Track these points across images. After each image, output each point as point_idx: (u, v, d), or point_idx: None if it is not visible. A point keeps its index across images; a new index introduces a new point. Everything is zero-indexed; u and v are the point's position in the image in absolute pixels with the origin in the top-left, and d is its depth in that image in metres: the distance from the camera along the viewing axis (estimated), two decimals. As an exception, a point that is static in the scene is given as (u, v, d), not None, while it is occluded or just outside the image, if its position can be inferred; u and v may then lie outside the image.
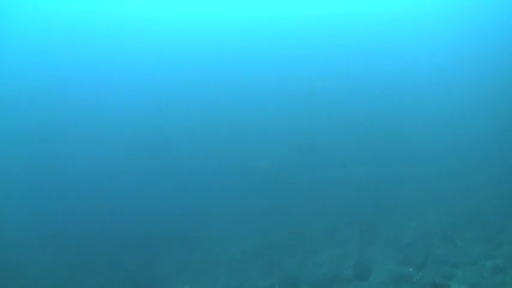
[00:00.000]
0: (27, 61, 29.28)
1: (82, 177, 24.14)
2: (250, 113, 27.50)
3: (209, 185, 22.71)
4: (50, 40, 29.91)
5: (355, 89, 28.19)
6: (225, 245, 17.06)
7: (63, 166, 24.83)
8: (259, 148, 24.76)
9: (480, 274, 10.71)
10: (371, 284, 11.40)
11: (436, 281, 10.69)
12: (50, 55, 29.82)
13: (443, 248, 12.63)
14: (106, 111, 27.86)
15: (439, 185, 19.77)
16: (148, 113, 27.67)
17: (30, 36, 29.46)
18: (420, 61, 30.93)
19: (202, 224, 19.59)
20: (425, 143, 24.54)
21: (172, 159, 25.13)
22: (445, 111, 26.70)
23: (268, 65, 30.11)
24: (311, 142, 24.62)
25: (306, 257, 14.20)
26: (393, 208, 18.11)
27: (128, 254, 17.90)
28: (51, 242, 19.03)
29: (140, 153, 25.25)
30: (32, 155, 25.17)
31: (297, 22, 31.31)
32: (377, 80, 29.12)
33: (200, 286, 13.71)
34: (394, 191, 19.83)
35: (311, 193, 20.72)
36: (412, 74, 29.96)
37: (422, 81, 29.50)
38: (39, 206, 22.13)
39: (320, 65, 29.30)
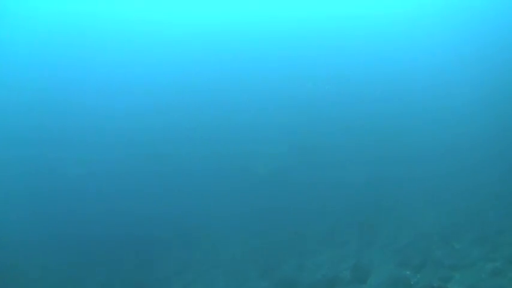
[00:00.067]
0: (27, 62, 29.32)
1: (82, 178, 24.22)
2: (250, 114, 27.50)
3: (208, 186, 22.76)
4: (49, 41, 29.95)
5: (355, 91, 28.18)
6: (224, 246, 17.10)
7: (63, 167, 24.90)
8: (259, 149, 24.79)
9: (478, 276, 10.70)
10: (369, 287, 11.42)
11: (434, 283, 10.71)
12: (49, 56, 29.86)
13: (441, 249, 12.62)
14: (106, 112, 27.90)
15: (438, 185, 19.77)
16: (148, 115, 27.69)
17: (29, 38, 29.53)
18: (420, 62, 30.93)
19: (201, 225, 19.64)
20: (425, 144, 24.54)
21: (172, 160, 25.16)
22: (444, 112, 26.72)
23: (268, 66, 30.11)
24: (310, 143, 24.63)
25: (304, 258, 14.20)
26: (392, 209, 18.11)
27: (127, 254, 17.94)
28: (52, 243, 19.15)
29: (140, 154, 25.28)
30: (31, 156, 25.22)
31: (296, 24, 31.31)
32: (377, 81, 29.10)
33: None
34: (393, 192, 19.84)
35: (310, 194, 20.76)
36: (412, 75, 29.95)
37: (422, 82, 29.49)
38: (39, 207, 22.23)
39: (320, 67, 29.31)
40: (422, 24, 31.58)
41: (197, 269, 15.44)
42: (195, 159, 25.26)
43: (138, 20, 31.10)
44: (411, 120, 26.52)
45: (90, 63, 30.16)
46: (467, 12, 30.88)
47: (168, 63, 30.80)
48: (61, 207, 22.54)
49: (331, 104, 27.64)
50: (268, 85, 28.76)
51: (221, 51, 30.86)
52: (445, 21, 31.22)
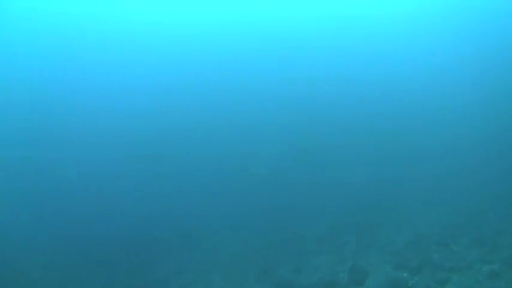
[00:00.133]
0: (26, 63, 29.37)
1: (82, 179, 24.26)
2: (249, 115, 27.49)
3: (207, 186, 22.76)
4: (49, 42, 29.98)
5: (355, 91, 28.14)
6: (223, 247, 17.07)
7: (63, 168, 24.93)
8: (259, 149, 24.78)
9: (475, 279, 10.72)
10: (366, 289, 11.46)
11: (432, 285, 10.73)
12: (49, 57, 29.90)
13: (439, 251, 12.63)
14: (105, 113, 27.94)
15: (437, 185, 19.80)
16: (148, 115, 27.71)
17: (28, 38, 29.56)
18: (420, 62, 30.88)
19: (201, 226, 19.62)
20: (424, 144, 24.56)
21: (172, 160, 25.17)
22: (444, 112, 26.72)
23: (268, 67, 30.11)
24: (310, 143, 24.62)
25: (302, 260, 14.21)
26: (391, 210, 18.10)
27: (127, 255, 17.93)
28: (51, 244, 19.13)
29: (139, 155, 25.30)
30: (31, 157, 25.26)
31: (296, 24, 31.27)
32: (377, 82, 29.05)
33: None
34: (393, 192, 19.84)
35: (309, 194, 20.76)
36: (412, 75, 29.89)
37: (422, 82, 29.43)
38: (39, 208, 22.25)
39: (320, 67, 29.28)
40: (422, 24, 31.53)
41: (196, 269, 15.42)
42: (195, 159, 25.28)
43: (137, 21, 31.13)
44: (411, 121, 26.51)
45: (89, 64, 30.21)
46: (467, 12, 30.81)
47: (167, 64, 30.85)
48: (61, 208, 22.52)
49: (330, 104, 27.60)
50: (267, 86, 28.77)
51: (221, 52, 30.87)
52: (445, 21, 31.16)
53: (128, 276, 15.92)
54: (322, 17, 31.55)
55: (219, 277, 14.22)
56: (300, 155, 24.08)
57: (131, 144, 26.16)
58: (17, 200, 22.84)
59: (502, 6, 29.86)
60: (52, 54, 30.11)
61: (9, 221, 20.54)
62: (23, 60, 29.58)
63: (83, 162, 25.32)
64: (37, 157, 25.46)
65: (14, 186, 23.63)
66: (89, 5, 29.84)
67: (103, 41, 30.83)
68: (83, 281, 15.91)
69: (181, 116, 27.94)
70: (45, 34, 30.00)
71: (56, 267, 17.05)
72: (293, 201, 20.43)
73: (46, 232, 19.95)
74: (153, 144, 26.14)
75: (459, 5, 30.84)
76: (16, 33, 29.40)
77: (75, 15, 29.95)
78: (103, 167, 25.16)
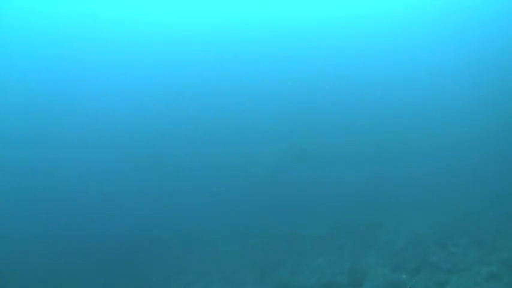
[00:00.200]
0: (25, 64, 29.40)
1: (82, 179, 24.30)
2: (249, 115, 27.46)
3: (207, 186, 22.75)
4: (48, 43, 30.01)
5: (355, 90, 28.11)
6: (220, 250, 17.05)
7: (62, 169, 24.97)
8: (258, 149, 24.74)
9: (474, 280, 10.71)
10: (365, 291, 11.46)
11: (430, 287, 10.73)
12: (48, 58, 29.92)
13: (437, 253, 12.61)
14: (105, 113, 27.96)
15: (436, 185, 19.71)
16: (148, 116, 27.71)
17: (27, 39, 29.59)
18: (419, 61, 30.81)
19: (198, 227, 19.61)
20: (423, 144, 24.47)
21: (171, 160, 25.18)
22: (443, 112, 26.62)
23: (267, 67, 30.08)
24: (309, 143, 24.55)
25: (300, 261, 14.20)
26: (390, 210, 18.03)
27: (127, 255, 17.96)
28: (51, 244, 19.17)
29: (139, 155, 25.31)
30: (31, 158, 25.30)
31: (295, 24, 31.24)
32: (376, 81, 29.01)
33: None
34: (390, 193, 19.73)
35: (308, 194, 20.72)
36: (412, 75, 29.84)
37: (421, 82, 29.38)
38: (39, 208, 22.29)
39: (319, 67, 29.25)
40: (422, 24, 31.45)
41: (195, 270, 15.45)
42: (195, 159, 25.26)
43: (136, 21, 31.12)
44: (411, 120, 26.42)
45: (88, 64, 30.22)
46: (467, 12, 30.75)
47: (166, 64, 30.83)
48: (61, 208, 22.55)
49: (330, 104, 27.56)
50: (267, 86, 28.74)
51: (220, 52, 30.83)
52: (444, 21, 31.09)
53: (128, 276, 15.94)
54: (322, 16, 31.51)
55: (217, 278, 14.23)
56: (300, 155, 24.03)
57: (131, 144, 26.14)
58: (17, 200, 22.90)
59: (501, 6, 29.81)
60: (52, 55, 30.12)
61: (9, 221, 20.59)
62: (23, 60, 29.60)
63: (82, 163, 25.34)
64: (37, 158, 25.49)
65: (14, 187, 23.67)
66: (88, 5, 29.82)
67: (102, 42, 30.83)
68: (83, 281, 15.95)
69: (181, 116, 27.91)
70: (44, 34, 30.02)
71: (56, 267, 17.11)
72: (292, 201, 20.37)
73: (46, 232, 19.98)
74: (153, 145, 26.13)
75: (459, 5, 30.79)
76: (14, 34, 29.42)
77: (74, 15, 29.95)
78: (103, 167, 25.16)
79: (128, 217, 20.86)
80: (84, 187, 23.75)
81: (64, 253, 18.43)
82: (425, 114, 26.81)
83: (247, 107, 27.92)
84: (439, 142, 24.22)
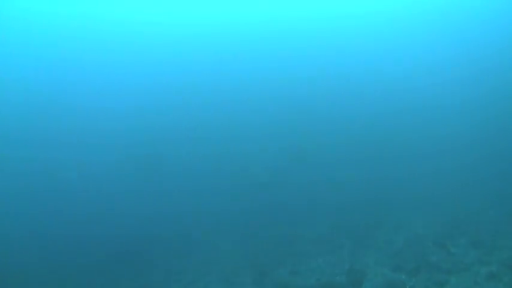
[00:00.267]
0: (25, 64, 29.39)
1: (82, 179, 24.31)
2: (248, 114, 27.46)
3: (206, 185, 22.72)
4: (48, 43, 30.00)
5: (354, 90, 28.08)
6: (219, 250, 17.00)
7: (62, 168, 24.98)
8: (258, 148, 24.73)
9: (473, 280, 10.68)
10: (364, 291, 11.42)
11: (430, 287, 10.70)
12: (47, 58, 29.92)
13: (437, 253, 12.59)
14: (105, 114, 27.98)
15: (435, 184, 19.72)
16: (147, 115, 27.72)
17: (27, 39, 29.57)
18: (419, 60, 30.78)
19: (198, 227, 19.59)
20: (423, 142, 24.45)
21: (171, 160, 25.16)
22: (443, 110, 26.59)
23: (267, 66, 30.08)
24: (309, 143, 24.54)
25: (299, 261, 14.16)
26: (388, 209, 18.03)
27: (127, 255, 17.92)
28: (52, 244, 19.15)
29: (139, 155, 25.30)
30: (30, 157, 25.30)
31: (294, 24, 31.21)
32: (377, 81, 28.98)
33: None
34: (390, 192, 19.76)
35: (306, 195, 20.70)
36: (412, 74, 29.81)
37: (421, 81, 29.35)
38: (39, 208, 22.30)
39: (318, 66, 29.23)
40: (422, 23, 31.42)
41: (194, 270, 15.38)
42: (194, 159, 25.26)
43: (136, 21, 31.12)
44: (410, 119, 26.42)
45: (89, 65, 30.23)
46: (467, 11, 30.70)
47: (166, 64, 30.84)
48: (61, 208, 22.56)
49: (330, 103, 27.54)
50: (267, 85, 28.72)
51: (220, 52, 30.83)
52: (444, 20, 31.06)
53: (128, 276, 15.89)
54: (321, 16, 31.47)
55: (217, 278, 14.18)
56: (299, 154, 24.02)
57: (131, 144, 26.16)
58: (18, 200, 22.90)
59: (501, 5, 29.74)
60: (52, 55, 30.14)
61: (9, 221, 20.60)
62: (23, 60, 29.60)
63: (82, 163, 25.35)
64: (37, 158, 25.50)
65: (14, 187, 23.67)
66: (88, 5, 29.79)
67: (101, 42, 30.84)
68: (83, 280, 15.90)
69: (181, 116, 27.92)
70: (44, 34, 30.00)
71: (55, 267, 17.06)
72: (292, 201, 20.40)
73: (46, 232, 19.97)
74: (153, 144, 26.13)
75: (459, 4, 30.73)
76: (14, 34, 29.42)
77: (74, 16, 29.95)
78: (103, 167, 25.18)
79: (128, 217, 20.84)
80: (84, 187, 23.74)
81: (64, 253, 18.39)
82: (425, 113, 26.81)
83: (247, 107, 27.91)
84: (439, 141, 24.21)
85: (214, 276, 14.32)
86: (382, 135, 25.06)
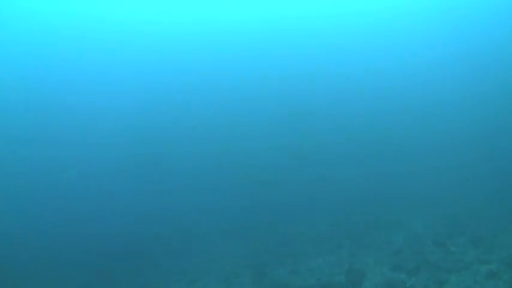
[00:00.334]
0: (25, 63, 29.39)
1: (82, 178, 24.34)
2: (248, 112, 27.47)
3: (205, 185, 22.74)
4: (46, 42, 29.98)
5: (354, 88, 28.04)
6: (216, 251, 16.97)
7: (63, 167, 25.01)
8: (257, 147, 24.71)
9: (473, 279, 10.65)
10: (364, 290, 11.39)
11: (429, 287, 10.66)
12: (48, 57, 29.92)
13: (436, 252, 12.56)
14: (105, 112, 28.00)
15: (435, 182, 19.71)
16: (147, 114, 27.73)
17: (26, 38, 29.54)
18: (419, 57, 30.72)
19: (196, 226, 19.62)
20: (422, 140, 24.44)
21: (170, 159, 25.17)
22: (443, 108, 26.54)
23: (266, 65, 30.04)
24: (308, 142, 24.53)
25: (298, 261, 14.14)
26: (388, 208, 18.00)
27: (127, 254, 17.93)
28: (52, 242, 19.17)
29: (139, 154, 25.32)
30: (30, 156, 25.34)
31: (294, 22, 31.14)
32: (376, 78, 28.93)
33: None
34: (389, 190, 19.76)
35: (305, 193, 20.71)
36: (411, 71, 29.76)
37: (421, 78, 29.29)
38: (39, 207, 22.34)
39: (318, 65, 29.19)
40: (421, 20, 31.33)
41: (194, 270, 15.38)
42: (194, 157, 25.28)
43: (135, 20, 31.10)
44: (410, 116, 26.41)
45: (89, 64, 30.23)
46: (466, 8, 30.60)
47: (165, 64, 30.84)
48: (61, 206, 22.61)
49: (329, 101, 27.51)
50: (266, 83, 28.71)
51: (219, 51, 30.80)
52: (444, 16, 30.96)
53: (128, 275, 15.90)
54: (320, 14, 31.41)
55: (216, 279, 14.18)
56: (299, 152, 24.00)
57: (131, 142, 26.22)
58: (18, 198, 22.96)
59: (501, 1, 29.59)
60: (52, 54, 30.14)
61: (10, 220, 20.64)
62: (23, 60, 29.61)
63: (82, 161, 25.39)
64: (37, 156, 25.55)
65: (14, 185, 23.72)
66: (87, 5, 29.74)
67: (101, 41, 30.81)
68: (83, 279, 15.91)
69: (181, 114, 27.93)
70: (44, 34, 29.97)
71: (55, 265, 17.08)
72: (291, 199, 20.41)
73: (46, 230, 20.02)
74: (153, 142, 26.16)
75: (458, 1, 30.61)
76: (14, 34, 29.38)
77: (74, 15, 29.91)
78: (103, 165, 25.22)
79: (128, 215, 20.91)
80: (84, 185, 23.78)
81: (63, 251, 18.40)
82: (425, 111, 26.78)
83: (246, 105, 27.91)
84: (438, 138, 24.21)
85: (213, 276, 14.31)
86: (381, 133, 25.04)
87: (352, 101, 27.32)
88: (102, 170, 24.96)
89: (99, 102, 28.85)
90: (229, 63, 30.28)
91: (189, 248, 17.76)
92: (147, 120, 27.28)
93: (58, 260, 17.48)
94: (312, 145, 24.17)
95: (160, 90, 29.07)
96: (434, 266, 11.59)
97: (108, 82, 30.30)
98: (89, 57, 30.49)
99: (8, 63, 29.07)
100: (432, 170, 20.68)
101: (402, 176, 20.76)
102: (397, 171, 21.47)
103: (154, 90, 29.16)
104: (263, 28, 31.21)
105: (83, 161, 25.47)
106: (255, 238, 17.34)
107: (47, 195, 23.41)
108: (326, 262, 13.61)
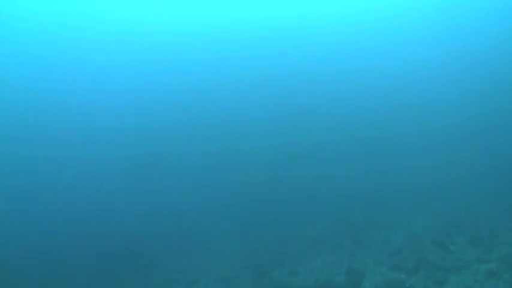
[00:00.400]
0: (25, 63, 29.40)
1: (82, 177, 24.37)
2: (247, 112, 27.46)
3: (203, 184, 22.77)
4: (46, 42, 29.97)
5: (353, 86, 28.03)
6: (216, 251, 16.98)
7: (63, 167, 25.04)
8: (256, 146, 24.72)
9: (473, 278, 10.62)
10: (363, 290, 11.38)
11: (429, 287, 10.64)
12: (48, 57, 29.93)
13: (436, 251, 12.53)
14: (105, 112, 28.03)
15: (433, 180, 19.67)
16: (147, 114, 27.75)
17: (26, 38, 29.54)
18: (417, 55, 30.70)
19: (196, 225, 19.63)
20: (420, 137, 24.43)
21: (170, 158, 25.17)
22: (441, 105, 26.52)
23: (265, 64, 30.02)
24: (307, 141, 24.51)
25: (298, 262, 14.13)
26: (387, 207, 17.99)
27: (128, 254, 17.94)
28: (53, 242, 19.21)
29: (138, 153, 25.31)
30: (30, 156, 25.37)
31: (293, 22, 31.13)
32: (375, 77, 28.91)
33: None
34: (388, 188, 19.72)
35: (304, 192, 20.69)
36: (409, 68, 29.74)
37: (419, 75, 29.27)
38: (40, 206, 22.39)
39: (317, 64, 29.18)
40: (419, 17, 31.30)
41: (193, 270, 15.40)
42: (194, 156, 25.29)
43: (135, 20, 31.08)
44: (408, 114, 26.40)
45: (88, 64, 30.25)
46: (464, 6, 30.56)
47: (165, 63, 30.84)
48: (61, 206, 22.68)
49: (328, 100, 27.50)
50: (266, 82, 28.70)
51: (219, 50, 30.80)
52: (442, 14, 30.93)
53: (128, 275, 15.91)
54: (320, 13, 31.39)
55: (215, 279, 14.18)
56: (298, 151, 23.97)
57: (131, 142, 26.22)
58: (18, 198, 22.99)
59: (497, 0, 29.55)
60: (52, 54, 30.16)
61: (9, 219, 20.67)
62: (23, 60, 29.62)
63: (82, 161, 25.42)
64: (37, 156, 25.57)
65: (14, 185, 23.76)
66: (87, 5, 29.71)
67: (101, 41, 30.82)
68: (83, 278, 15.93)
69: (181, 114, 27.94)
70: (41, 35, 29.98)
71: (55, 265, 17.10)
72: (290, 198, 20.42)
73: (46, 230, 20.07)
74: (153, 142, 26.16)
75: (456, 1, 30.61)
76: (14, 34, 29.38)
77: (74, 15, 29.89)
78: (103, 165, 25.26)
79: (128, 214, 20.96)
80: (84, 185, 23.82)
81: (64, 251, 18.44)
82: (423, 107, 26.77)
83: (246, 104, 27.91)
84: (436, 135, 24.23)
85: (213, 276, 14.32)
86: (380, 131, 25.02)
87: (351, 99, 27.31)
88: (102, 170, 24.99)
89: (99, 102, 28.89)
90: (229, 62, 30.28)
91: (189, 247, 17.78)
92: (147, 120, 27.29)
93: (58, 259, 17.51)
94: (311, 144, 24.15)
95: (160, 90, 29.09)
96: (434, 266, 11.56)
97: (108, 82, 30.36)
98: (89, 57, 30.53)
99: (8, 63, 29.08)
100: (431, 168, 20.69)
101: (401, 174, 20.76)
102: (396, 169, 21.47)
103: (154, 90, 29.18)
104: (262, 27, 31.22)
105: (83, 160, 25.49)
106: (255, 238, 17.34)
107: (47, 195, 23.45)
108: (326, 262, 13.61)
